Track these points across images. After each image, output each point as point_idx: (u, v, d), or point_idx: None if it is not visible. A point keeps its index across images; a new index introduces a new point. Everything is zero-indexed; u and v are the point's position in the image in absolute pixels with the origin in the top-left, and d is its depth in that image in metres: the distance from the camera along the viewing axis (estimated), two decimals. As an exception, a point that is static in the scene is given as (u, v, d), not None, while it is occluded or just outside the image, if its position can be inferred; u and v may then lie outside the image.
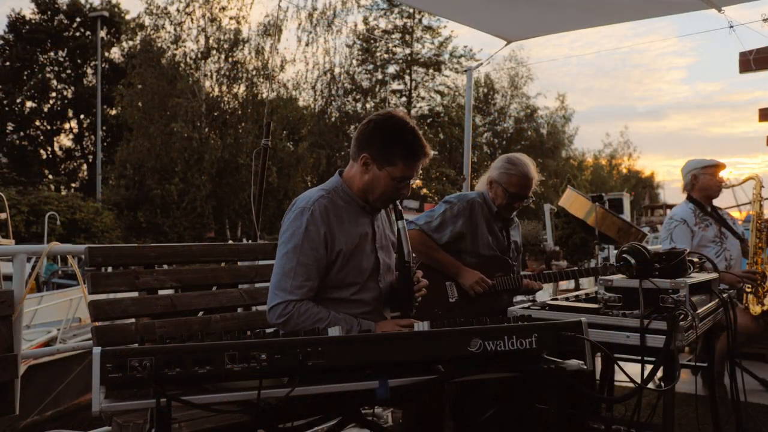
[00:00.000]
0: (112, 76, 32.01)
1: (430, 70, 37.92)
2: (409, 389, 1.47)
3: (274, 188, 25.94)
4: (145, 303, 2.30)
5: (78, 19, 33.50)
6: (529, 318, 1.65)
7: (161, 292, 2.36)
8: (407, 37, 36.99)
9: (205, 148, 26.85)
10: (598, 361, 3.05)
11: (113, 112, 32.27)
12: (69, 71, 34.28)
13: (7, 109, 32.70)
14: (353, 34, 35.37)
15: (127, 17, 33.28)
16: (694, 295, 2.30)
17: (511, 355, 1.52)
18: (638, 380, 1.88)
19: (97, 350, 1.25)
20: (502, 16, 4.51)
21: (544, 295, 3.13)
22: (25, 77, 32.96)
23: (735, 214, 4.38)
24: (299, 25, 31.13)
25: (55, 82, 34.28)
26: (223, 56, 28.58)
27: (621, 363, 1.88)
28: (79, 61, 33.93)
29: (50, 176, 32.67)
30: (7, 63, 32.23)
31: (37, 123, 34.35)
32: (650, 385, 2.15)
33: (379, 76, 37.16)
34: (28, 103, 33.76)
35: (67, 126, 35.41)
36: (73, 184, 34.53)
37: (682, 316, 2.05)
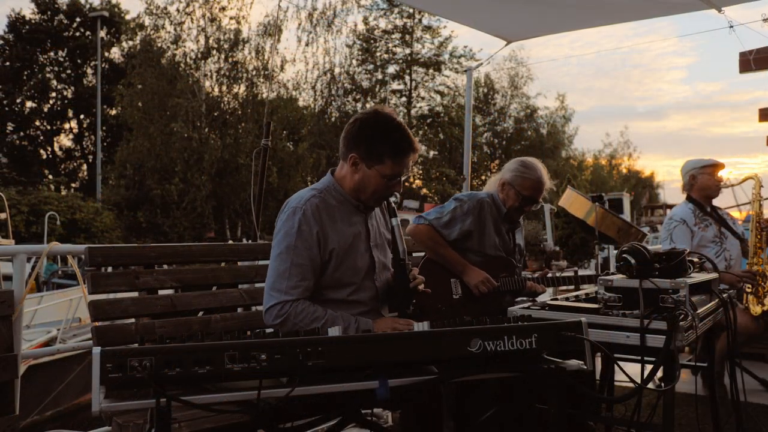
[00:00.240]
0: (112, 76, 32.01)
1: (430, 70, 37.93)
2: (409, 389, 1.47)
3: (274, 188, 25.93)
4: (145, 303, 2.30)
5: (78, 19, 33.51)
6: (529, 318, 1.65)
7: (161, 292, 2.36)
8: (407, 37, 37.00)
9: (204, 148, 26.84)
10: (598, 361, 3.05)
11: (113, 112, 32.27)
12: (69, 71, 34.28)
13: (7, 109, 32.71)
14: (353, 34, 35.40)
15: (127, 17, 33.31)
16: (694, 295, 2.30)
17: (511, 355, 1.52)
18: (638, 380, 1.88)
19: (97, 350, 1.25)
20: (502, 17, 4.51)
21: (544, 294, 3.14)
22: (25, 77, 32.96)
23: (735, 214, 4.37)
24: (299, 25, 31.15)
25: (55, 82, 34.29)
26: (223, 56, 28.58)
27: (621, 363, 1.88)
28: (79, 61, 33.94)
29: (50, 176, 32.67)
30: (7, 63, 32.24)
31: (37, 123, 34.35)
32: (650, 385, 2.15)
33: (379, 76, 37.18)
34: (28, 103, 33.78)
35: (67, 126, 35.43)
36: (73, 184, 34.53)
37: (682, 316, 2.05)
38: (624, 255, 2.23)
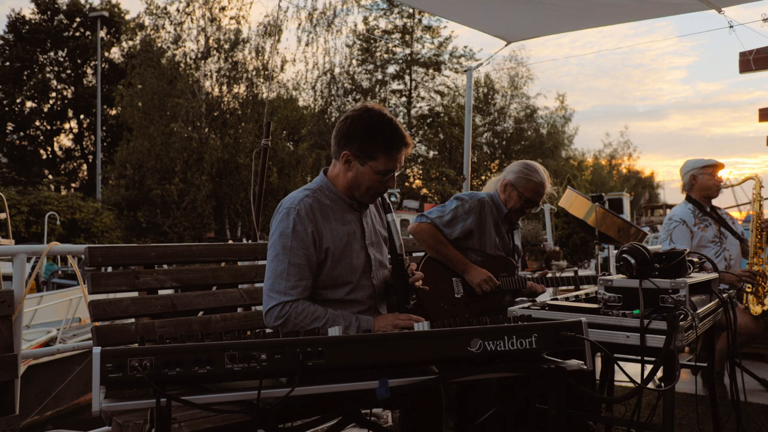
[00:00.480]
0: (112, 76, 32.03)
1: (430, 70, 37.96)
2: (409, 389, 1.47)
3: (274, 188, 25.95)
4: (145, 303, 2.30)
5: (78, 19, 33.52)
6: (529, 318, 1.65)
7: (161, 292, 2.36)
8: (407, 37, 37.02)
9: (204, 148, 26.85)
10: (598, 361, 3.05)
11: (113, 112, 32.29)
12: (69, 71, 34.29)
13: (7, 109, 32.71)
14: (353, 34, 35.44)
15: (127, 17, 33.30)
16: (694, 295, 2.30)
17: (511, 355, 1.52)
18: (638, 380, 1.88)
19: (97, 350, 1.25)
20: (502, 17, 4.51)
21: (545, 294, 3.15)
22: (25, 77, 32.97)
23: (735, 214, 4.38)
24: (299, 25, 31.20)
25: (55, 82, 34.29)
26: (223, 56, 28.59)
27: (621, 363, 1.88)
28: (79, 61, 33.94)
29: (50, 176, 32.67)
30: (7, 63, 32.24)
31: (37, 123, 34.35)
32: (650, 385, 2.16)
33: (379, 76, 37.22)
34: (28, 103, 33.78)
35: (67, 126, 35.44)
36: (73, 184, 34.55)
37: (682, 316, 2.05)
38: (624, 255, 2.23)
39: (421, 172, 38.92)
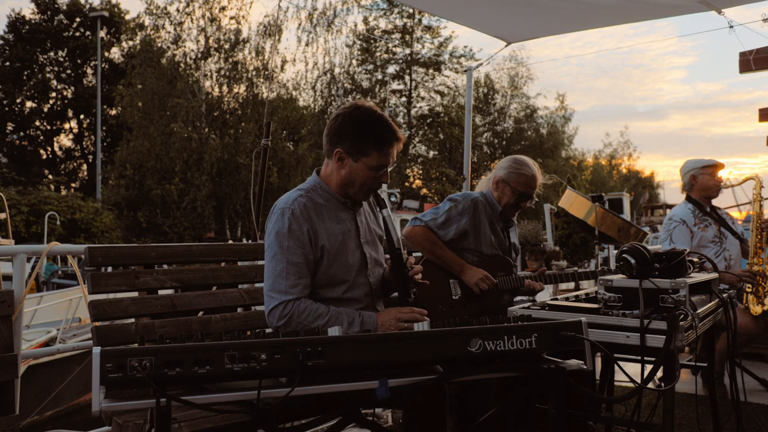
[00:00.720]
0: (112, 76, 32.02)
1: (430, 70, 37.96)
2: (409, 389, 1.47)
3: (274, 188, 25.94)
4: (145, 303, 2.30)
5: (78, 19, 33.51)
6: (529, 318, 1.65)
7: (161, 292, 2.36)
8: (407, 37, 37.02)
9: (204, 148, 26.85)
10: (598, 361, 3.05)
11: (113, 112, 32.28)
12: (69, 71, 34.28)
13: (7, 109, 32.70)
14: (353, 34, 35.43)
15: (127, 17, 33.29)
16: (694, 295, 2.30)
17: (511, 355, 1.52)
18: (638, 380, 1.88)
19: (97, 350, 1.25)
20: (502, 18, 4.50)
21: (544, 295, 3.14)
22: (25, 77, 32.96)
23: (735, 214, 4.38)
24: (299, 25, 31.18)
25: (55, 82, 34.28)
26: (223, 56, 28.59)
27: (621, 363, 1.88)
28: (79, 61, 33.93)
29: (50, 176, 32.67)
30: (7, 63, 32.24)
31: (37, 123, 34.35)
32: (650, 385, 2.15)
33: (379, 76, 37.23)
34: (28, 103, 33.77)
35: (67, 126, 35.43)
36: (73, 184, 34.55)
37: (682, 316, 2.05)
38: (624, 255, 2.23)
39: (421, 172, 38.93)
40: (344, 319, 2.06)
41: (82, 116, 34.94)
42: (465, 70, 6.03)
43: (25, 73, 32.96)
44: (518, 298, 3.16)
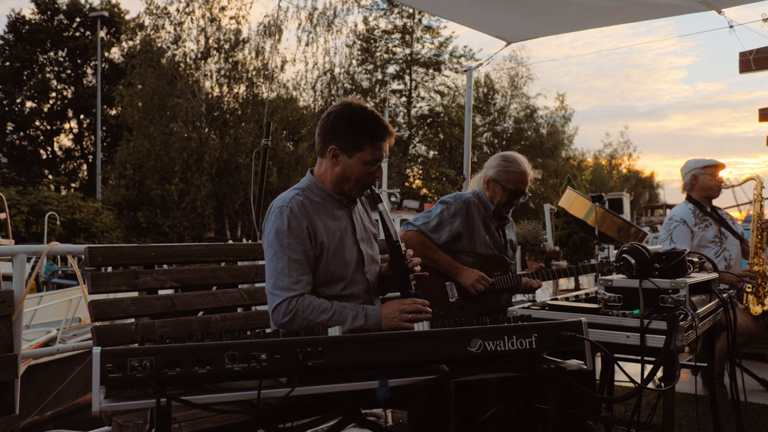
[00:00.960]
0: (112, 76, 32.01)
1: (430, 70, 37.95)
2: (409, 389, 1.47)
3: (274, 188, 25.93)
4: (145, 303, 2.30)
5: (78, 19, 33.50)
6: (529, 318, 1.65)
7: (161, 292, 2.36)
8: (407, 37, 37.01)
9: (204, 148, 26.85)
10: (598, 361, 3.05)
11: (113, 112, 32.28)
12: (69, 71, 34.28)
13: (7, 109, 32.70)
14: (353, 34, 35.42)
15: (127, 17, 33.29)
16: (694, 295, 2.30)
17: (511, 355, 1.52)
18: (638, 380, 1.88)
19: (97, 350, 1.25)
20: (502, 18, 4.50)
21: (544, 295, 3.14)
22: (25, 77, 32.96)
23: (735, 214, 4.37)
24: (299, 25, 31.17)
25: (55, 82, 34.28)
26: (223, 56, 28.59)
27: (621, 363, 1.88)
28: (79, 61, 33.93)
29: (50, 176, 32.67)
30: (7, 63, 32.23)
31: (37, 123, 34.35)
32: (650, 385, 2.15)
33: (379, 76, 37.22)
34: (28, 103, 33.77)
35: (67, 126, 35.43)
36: (73, 184, 34.54)
37: (682, 316, 2.05)
38: (624, 255, 2.23)
39: (421, 172, 38.93)
40: (348, 312, 2.07)
41: (82, 116, 34.94)
42: (465, 70, 6.03)
43: (25, 73, 32.95)
44: (518, 297, 3.15)
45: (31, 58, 32.76)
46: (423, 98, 38.59)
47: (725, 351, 3.53)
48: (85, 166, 35.87)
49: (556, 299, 2.58)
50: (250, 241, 4.82)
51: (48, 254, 2.79)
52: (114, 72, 32.33)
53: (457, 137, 35.41)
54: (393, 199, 17.85)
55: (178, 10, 28.10)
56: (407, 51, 37.24)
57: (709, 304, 2.42)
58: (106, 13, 31.65)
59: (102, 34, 31.70)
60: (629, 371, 1.84)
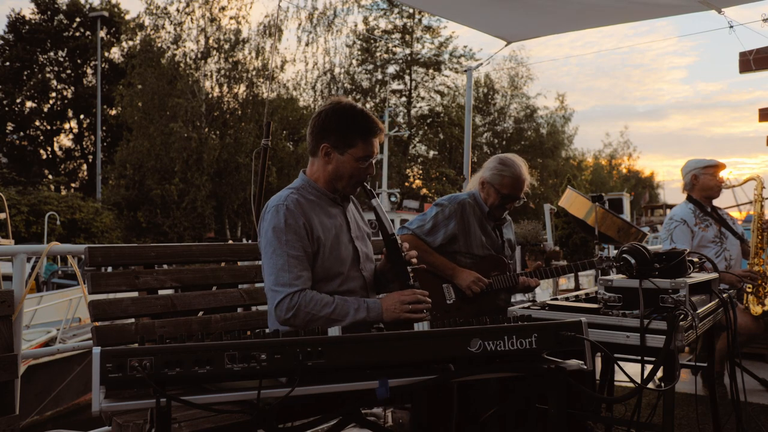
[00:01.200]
0: (112, 76, 32.02)
1: (430, 70, 37.94)
2: (408, 389, 1.47)
3: (274, 188, 25.85)
4: (145, 303, 2.30)
5: (78, 19, 33.50)
6: (529, 318, 1.65)
7: (161, 292, 2.36)
8: (407, 37, 37.00)
9: (204, 148, 26.86)
10: (598, 361, 3.05)
11: (113, 112, 32.28)
12: (69, 71, 34.28)
13: (7, 109, 32.70)
14: (353, 34, 35.41)
15: (127, 17, 33.29)
16: (694, 295, 2.30)
17: (511, 355, 1.52)
18: (638, 380, 1.88)
19: (97, 350, 1.25)
20: (502, 17, 4.50)
21: (544, 294, 3.13)
22: (25, 77, 32.96)
23: (735, 214, 4.37)
24: (299, 25, 31.18)
25: (55, 82, 34.28)
26: (223, 56, 28.59)
27: (621, 363, 1.88)
28: (79, 61, 33.93)
29: (50, 176, 32.66)
30: (7, 63, 32.23)
31: (37, 123, 34.35)
32: (650, 385, 2.15)
33: (379, 76, 37.20)
34: (28, 103, 33.77)
35: (67, 126, 35.43)
36: (73, 184, 34.54)
37: (682, 316, 2.05)
38: (624, 255, 2.23)
39: (421, 172, 38.93)
40: (350, 306, 2.08)
41: (82, 116, 34.94)
42: (465, 70, 6.03)
43: (25, 73, 32.95)
44: (517, 297, 3.15)
45: (31, 58, 32.76)
46: (423, 98, 38.60)
47: (725, 351, 3.53)
48: (85, 166, 35.87)
49: (556, 299, 2.58)
50: (250, 241, 4.83)
51: (48, 254, 2.79)
52: (114, 72, 32.33)
53: (457, 137, 35.41)
54: (393, 199, 17.81)
55: (178, 10, 28.12)
56: (407, 51, 37.24)
57: (709, 304, 2.42)
58: (106, 13, 31.65)
59: (102, 34, 31.70)
60: (629, 371, 1.84)
